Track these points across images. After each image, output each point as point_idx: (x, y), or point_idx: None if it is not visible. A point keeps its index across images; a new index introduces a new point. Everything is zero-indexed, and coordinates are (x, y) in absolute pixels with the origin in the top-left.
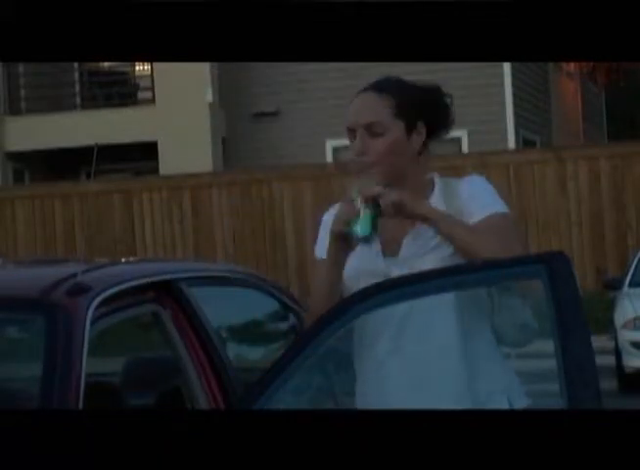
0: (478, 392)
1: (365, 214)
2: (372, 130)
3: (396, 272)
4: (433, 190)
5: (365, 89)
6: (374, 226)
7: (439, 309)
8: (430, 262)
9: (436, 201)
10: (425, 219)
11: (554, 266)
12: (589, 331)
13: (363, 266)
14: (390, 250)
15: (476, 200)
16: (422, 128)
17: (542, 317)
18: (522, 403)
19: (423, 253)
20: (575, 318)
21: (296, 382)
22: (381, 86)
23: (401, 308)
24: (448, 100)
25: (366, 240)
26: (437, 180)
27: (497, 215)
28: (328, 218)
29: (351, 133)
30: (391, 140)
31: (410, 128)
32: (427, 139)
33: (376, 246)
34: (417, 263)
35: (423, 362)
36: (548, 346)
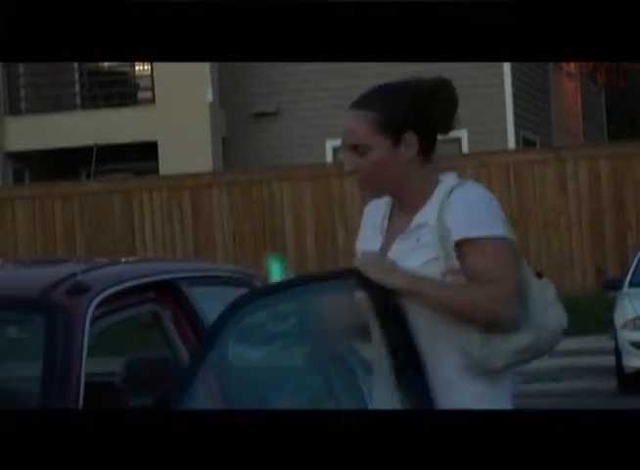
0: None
1: None
2: (357, 150)
3: None
4: (431, 196)
5: (351, 105)
6: None
7: None
8: (412, 262)
9: (428, 211)
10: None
11: None
12: None
13: None
14: (386, 249)
15: (462, 218)
16: (412, 138)
17: None
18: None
19: (408, 254)
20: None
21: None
22: (365, 101)
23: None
24: (446, 97)
25: None
26: (441, 186)
27: (483, 241)
28: (367, 210)
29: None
30: (375, 158)
31: (397, 141)
32: (423, 144)
33: (378, 245)
34: (401, 263)
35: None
36: None
